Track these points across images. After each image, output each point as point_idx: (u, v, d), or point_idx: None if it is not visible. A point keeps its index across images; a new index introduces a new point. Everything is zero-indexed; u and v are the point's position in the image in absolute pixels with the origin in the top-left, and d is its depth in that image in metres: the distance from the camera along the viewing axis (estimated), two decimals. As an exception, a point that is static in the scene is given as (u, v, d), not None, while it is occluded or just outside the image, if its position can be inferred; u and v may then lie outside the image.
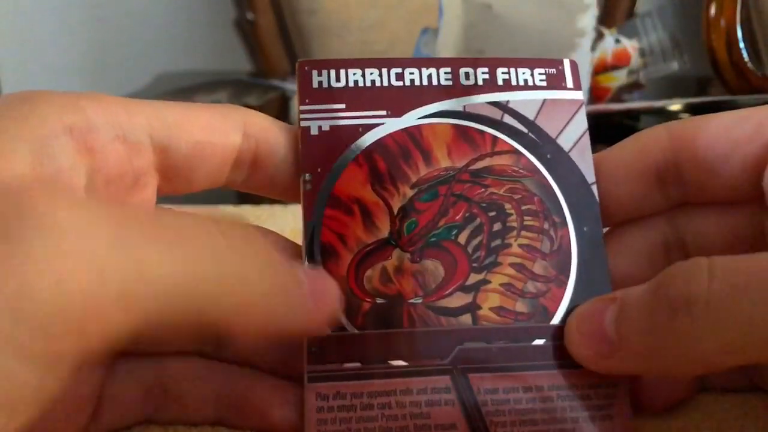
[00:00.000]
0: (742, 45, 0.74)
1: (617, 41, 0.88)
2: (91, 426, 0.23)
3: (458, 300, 0.23)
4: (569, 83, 0.25)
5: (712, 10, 0.76)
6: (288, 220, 0.42)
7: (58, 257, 0.15)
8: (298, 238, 0.25)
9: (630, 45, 0.87)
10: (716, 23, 0.75)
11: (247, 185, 0.25)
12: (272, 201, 0.41)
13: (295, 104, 0.25)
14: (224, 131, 0.24)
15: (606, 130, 0.26)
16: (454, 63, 0.25)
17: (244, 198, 0.66)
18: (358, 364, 0.22)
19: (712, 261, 0.20)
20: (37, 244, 0.15)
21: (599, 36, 0.91)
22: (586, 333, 0.22)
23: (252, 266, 0.19)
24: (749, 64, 0.74)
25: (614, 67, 0.86)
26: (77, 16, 1.32)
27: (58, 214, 0.15)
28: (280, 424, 0.23)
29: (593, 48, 0.89)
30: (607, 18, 1.08)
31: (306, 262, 0.23)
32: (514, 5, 0.90)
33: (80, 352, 0.15)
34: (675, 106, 0.67)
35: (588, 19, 0.94)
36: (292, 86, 1.07)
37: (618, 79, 0.86)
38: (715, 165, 0.23)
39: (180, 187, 0.24)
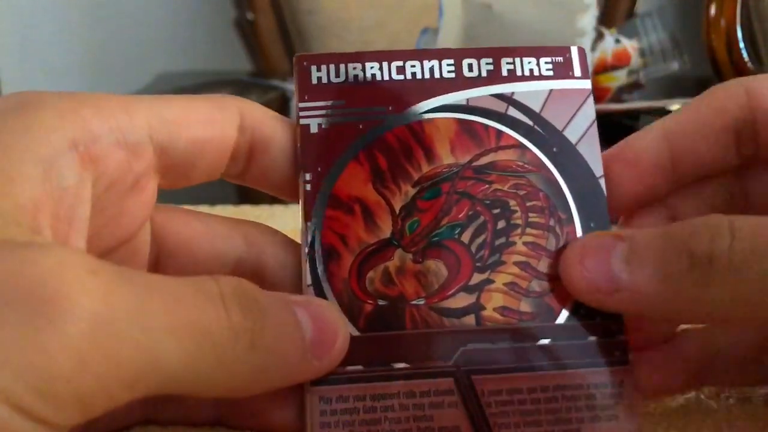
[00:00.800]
0: (742, 45, 0.74)
1: (617, 41, 0.88)
2: (90, 426, 0.23)
3: (462, 301, 0.23)
4: (577, 72, 0.25)
5: (712, 10, 0.76)
6: (288, 220, 0.42)
7: (85, 342, 0.16)
8: (299, 238, 0.24)
9: (630, 45, 0.87)
10: (716, 23, 0.75)
11: (242, 178, 0.25)
12: (272, 201, 0.41)
13: (295, 104, 0.25)
14: (222, 125, 0.24)
15: (606, 130, 0.26)
16: (457, 54, 0.25)
17: (244, 198, 0.66)
18: (360, 367, 0.22)
19: (734, 221, 0.21)
20: (69, 325, 0.16)
21: (599, 36, 0.91)
22: (590, 268, 0.22)
23: (247, 350, 0.19)
24: (749, 64, 0.74)
25: (614, 67, 0.86)
26: (77, 16, 1.32)
27: (93, 293, 0.17)
28: (279, 426, 0.23)
29: (593, 48, 0.89)
30: (607, 18, 1.08)
31: (308, 273, 0.23)
32: (514, 5, 0.91)
33: (80, 420, 0.17)
34: (675, 106, 0.67)
35: (588, 19, 0.94)
36: (292, 86, 1.07)
37: (618, 79, 0.86)
38: None
39: (178, 182, 0.24)
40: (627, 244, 0.22)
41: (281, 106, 1.04)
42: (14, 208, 0.18)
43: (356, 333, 0.22)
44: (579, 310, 0.23)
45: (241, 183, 0.25)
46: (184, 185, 0.24)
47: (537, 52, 0.25)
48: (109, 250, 0.23)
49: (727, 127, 0.24)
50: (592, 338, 0.23)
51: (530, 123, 0.24)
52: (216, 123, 0.23)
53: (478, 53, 0.25)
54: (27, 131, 0.19)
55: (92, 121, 0.21)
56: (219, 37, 1.30)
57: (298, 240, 0.24)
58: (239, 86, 1.12)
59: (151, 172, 0.23)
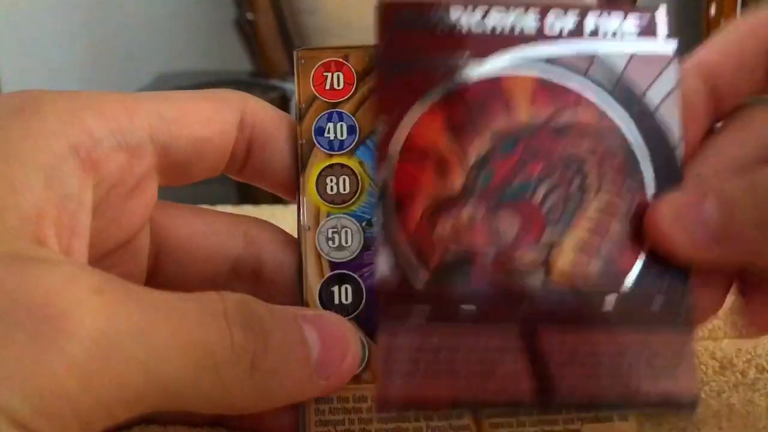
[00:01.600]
0: (742, 45, 0.74)
1: (617, 41, 0.87)
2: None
3: (531, 256, 0.23)
4: (661, 34, 0.24)
5: (712, 10, 0.76)
6: (288, 220, 0.42)
7: (90, 362, 0.16)
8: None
9: (630, 45, 0.86)
10: (716, 23, 0.75)
11: (241, 174, 0.25)
12: (273, 201, 0.41)
13: (294, 104, 0.25)
14: (222, 122, 0.23)
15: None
16: (543, 6, 0.24)
17: (244, 198, 0.66)
18: (428, 307, 0.22)
19: None
20: (74, 345, 0.16)
21: (599, 36, 0.91)
22: (686, 224, 0.22)
23: (248, 372, 0.19)
24: (749, 64, 0.74)
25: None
26: (77, 16, 1.32)
27: (98, 313, 0.17)
28: (278, 428, 0.24)
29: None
30: (607, 18, 1.08)
31: (380, 220, 0.23)
32: (514, 5, 0.90)
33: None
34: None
35: (588, 19, 0.94)
36: (291, 86, 1.07)
37: (618, 79, 0.85)
38: None
39: (178, 180, 0.24)
40: (718, 197, 0.22)
41: (281, 105, 1.04)
42: (18, 219, 0.18)
43: (426, 277, 0.22)
44: (646, 276, 0.23)
45: (239, 178, 0.25)
46: (184, 183, 0.24)
47: (623, 12, 0.24)
48: (110, 251, 0.22)
49: (765, 51, 0.24)
50: (657, 304, 0.22)
51: (611, 84, 0.24)
52: (217, 121, 0.23)
53: (565, 7, 0.24)
54: (27, 137, 0.19)
55: (93, 125, 0.20)
56: (219, 37, 1.30)
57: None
58: (239, 86, 1.12)
59: (152, 173, 0.23)
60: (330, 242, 0.24)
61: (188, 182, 0.24)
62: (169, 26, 1.35)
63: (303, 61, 0.25)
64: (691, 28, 0.89)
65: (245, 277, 0.24)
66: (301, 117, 0.25)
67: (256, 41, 1.20)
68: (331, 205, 0.24)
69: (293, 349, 0.20)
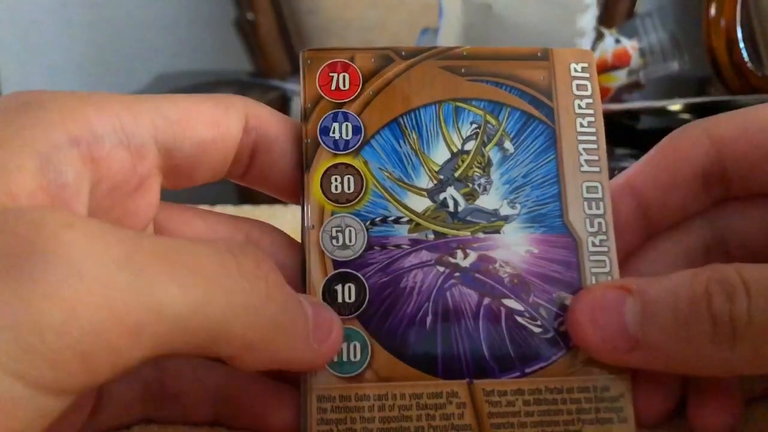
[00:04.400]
0: (742, 45, 0.74)
1: (617, 41, 0.88)
2: (89, 424, 0.23)
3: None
4: None
5: (712, 10, 0.76)
6: (288, 220, 0.42)
7: (71, 288, 0.15)
8: (299, 238, 0.25)
9: (630, 45, 0.87)
10: (716, 23, 0.75)
11: (244, 178, 0.25)
12: (272, 201, 0.41)
13: (295, 104, 0.25)
14: (227, 126, 0.23)
15: (606, 129, 0.26)
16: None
17: (244, 198, 0.66)
18: None
19: (742, 272, 0.21)
20: (50, 275, 0.15)
21: (599, 36, 0.91)
22: (602, 325, 0.22)
23: (263, 300, 0.19)
24: (749, 64, 0.74)
25: (614, 67, 0.86)
26: (77, 16, 1.32)
27: (72, 244, 0.16)
28: (278, 427, 0.23)
29: (593, 48, 0.89)
30: (607, 18, 1.08)
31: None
32: (514, 5, 0.91)
33: (87, 383, 0.16)
34: (675, 106, 0.67)
35: (588, 19, 0.94)
36: (292, 86, 1.07)
37: (618, 79, 0.85)
38: (762, 161, 0.24)
39: (181, 183, 0.24)
40: (638, 299, 0.22)
41: (281, 106, 1.04)
42: (7, 197, 0.18)
43: None
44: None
45: (242, 182, 0.25)
46: (186, 186, 0.24)
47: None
48: None
49: (696, 175, 0.25)
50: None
51: None
52: (221, 124, 0.23)
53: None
54: (27, 126, 0.19)
55: (95, 121, 0.20)
56: (219, 37, 1.30)
57: (299, 239, 0.24)
58: (239, 86, 1.12)
59: (155, 173, 0.23)
60: (334, 241, 0.24)
61: (191, 185, 0.24)
62: (169, 26, 1.35)
63: (309, 62, 0.25)
64: (691, 28, 0.89)
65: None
66: (306, 117, 0.25)
67: (256, 41, 1.20)
68: (335, 204, 0.24)
69: (295, 303, 0.20)
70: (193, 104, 0.23)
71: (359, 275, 0.24)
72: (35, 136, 0.19)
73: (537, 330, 0.24)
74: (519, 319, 0.24)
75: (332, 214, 0.24)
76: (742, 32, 0.74)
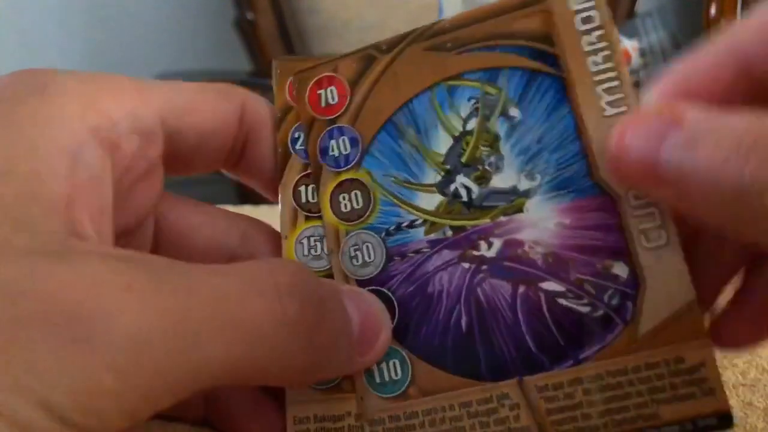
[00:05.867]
0: (742, 45, 0.74)
1: (617, 41, 0.88)
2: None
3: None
4: None
5: (713, 10, 0.76)
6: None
7: (127, 358, 0.16)
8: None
9: (630, 45, 0.87)
10: (717, 23, 0.75)
11: (236, 169, 0.25)
12: (272, 201, 0.41)
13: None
14: (226, 115, 0.23)
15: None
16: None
17: (245, 198, 0.66)
18: None
19: None
20: (107, 344, 0.16)
21: (599, 36, 0.91)
22: (634, 152, 0.18)
23: (304, 347, 0.19)
24: (749, 64, 0.74)
25: (614, 67, 0.86)
26: (77, 16, 1.32)
27: (129, 311, 0.16)
28: None
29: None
30: (607, 18, 1.08)
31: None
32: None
33: (127, 427, 0.17)
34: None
35: (588, 19, 0.94)
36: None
37: (618, 79, 0.86)
38: None
39: (179, 171, 0.24)
40: (686, 132, 0.18)
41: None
42: (45, 209, 0.18)
43: None
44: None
45: (234, 173, 0.25)
46: (183, 174, 0.24)
47: None
48: (118, 236, 0.22)
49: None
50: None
51: None
52: (221, 112, 0.23)
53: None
54: (48, 122, 0.19)
55: (110, 107, 0.20)
56: (219, 37, 1.30)
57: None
58: (239, 86, 1.11)
59: (160, 160, 0.23)
60: (354, 260, 0.23)
61: (187, 174, 0.24)
62: (169, 26, 1.35)
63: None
64: (691, 28, 0.89)
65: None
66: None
67: (255, 41, 1.20)
68: (348, 223, 0.23)
69: (341, 325, 0.20)
70: (198, 93, 0.23)
71: (384, 290, 0.23)
72: (59, 132, 0.19)
73: (585, 309, 0.21)
74: (562, 301, 0.21)
75: (347, 234, 0.23)
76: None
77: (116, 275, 0.17)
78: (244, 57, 1.23)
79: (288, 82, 0.25)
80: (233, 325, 0.18)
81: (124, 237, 0.23)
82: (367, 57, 0.24)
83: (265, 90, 0.25)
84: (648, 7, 1.10)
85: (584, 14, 0.22)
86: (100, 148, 0.20)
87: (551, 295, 0.21)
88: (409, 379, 0.22)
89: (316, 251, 0.23)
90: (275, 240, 0.25)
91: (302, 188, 0.24)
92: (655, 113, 0.19)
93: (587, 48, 0.22)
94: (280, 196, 0.24)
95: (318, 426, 0.22)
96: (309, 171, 0.24)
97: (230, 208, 0.47)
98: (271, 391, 0.24)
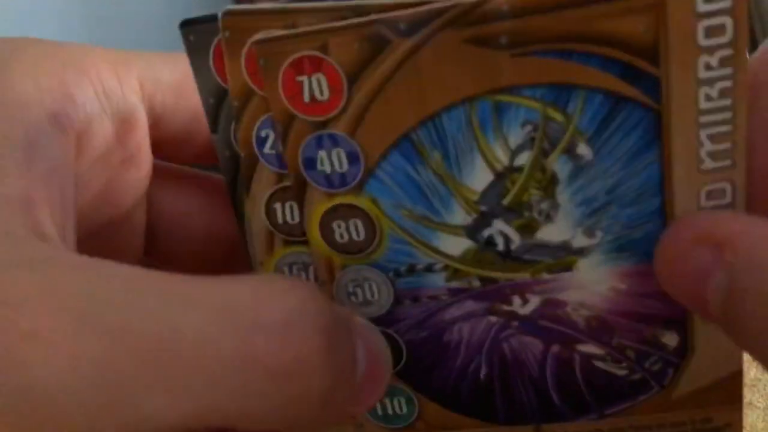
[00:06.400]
0: (743, 44, 0.74)
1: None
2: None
3: None
4: None
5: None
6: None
7: (19, 411, 0.13)
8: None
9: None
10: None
11: None
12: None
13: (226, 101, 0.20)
14: None
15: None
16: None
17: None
18: None
19: None
20: (16, 407, 0.13)
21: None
22: (679, 274, 0.16)
23: (295, 405, 0.15)
24: (750, 63, 0.74)
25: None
26: (77, 15, 1.31)
27: (36, 364, 0.13)
28: None
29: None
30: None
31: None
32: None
33: None
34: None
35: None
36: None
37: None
38: None
39: (166, 158, 0.21)
40: (729, 273, 0.15)
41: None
42: (5, 208, 0.16)
43: None
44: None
45: None
46: (172, 161, 0.22)
47: None
48: (101, 227, 0.20)
49: None
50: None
51: None
52: None
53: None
54: (3, 108, 0.17)
55: (74, 88, 0.18)
56: (218, 36, 1.29)
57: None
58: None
59: (146, 145, 0.20)
60: (353, 297, 0.19)
61: (176, 162, 0.22)
62: (167, 25, 1.34)
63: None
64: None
65: (239, 258, 0.21)
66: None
67: (255, 40, 1.19)
68: (346, 256, 0.18)
69: (351, 367, 0.17)
70: (187, 66, 0.19)
71: (390, 332, 0.19)
72: (13, 122, 0.17)
73: (621, 372, 0.19)
74: (599, 363, 0.19)
75: (344, 267, 0.19)
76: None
77: (21, 321, 0.14)
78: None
79: (244, 52, 0.17)
80: (183, 368, 0.14)
81: (109, 227, 0.20)
82: (376, 37, 0.16)
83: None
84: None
85: (712, 21, 0.15)
86: (60, 134, 0.18)
87: (587, 357, 0.19)
88: (415, 415, 0.20)
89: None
90: None
91: (277, 205, 0.19)
92: (693, 241, 0.16)
93: (703, 74, 0.15)
94: (246, 212, 0.19)
95: None
96: (284, 184, 0.18)
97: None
98: None
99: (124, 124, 0.19)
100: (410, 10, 0.16)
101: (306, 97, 0.17)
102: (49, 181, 0.17)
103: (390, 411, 0.20)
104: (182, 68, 0.19)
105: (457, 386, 0.20)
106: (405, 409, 0.20)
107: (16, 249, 0.15)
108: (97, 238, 0.20)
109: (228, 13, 0.16)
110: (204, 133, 0.20)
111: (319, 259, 0.19)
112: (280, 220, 0.19)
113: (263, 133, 0.18)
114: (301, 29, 0.16)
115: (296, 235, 0.19)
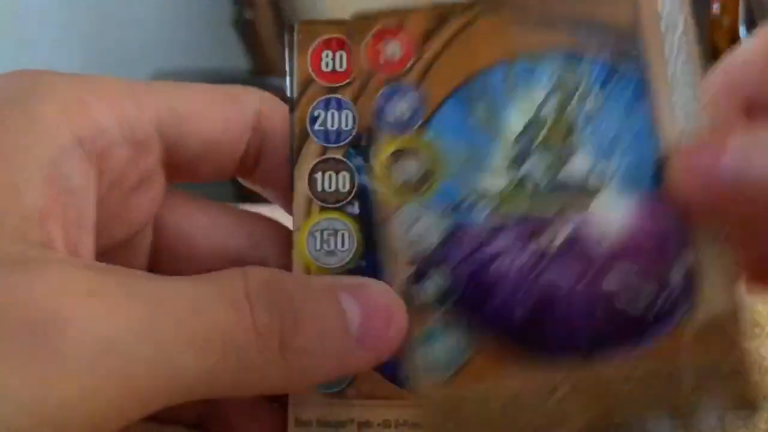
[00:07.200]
0: (745, 44, 0.74)
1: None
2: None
3: None
4: None
5: (715, 9, 0.75)
6: (288, 219, 0.41)
7: (91, 367, 0.16)
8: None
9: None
10: (719, 22, 0.75)
11: (251, 179, 0.24)
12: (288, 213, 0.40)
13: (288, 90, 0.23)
14: (237, 124, 0.22)
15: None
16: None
17: (244, 198, 0.65)
18: None
19: None
20: (70, 353, 0.15)
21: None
22: (698, 158, 0.20)
23: (277, 357, 0.18)
24: (752, 63, 0.74)
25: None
26: (77, 15, 1.31)
27: (94, 318, 0.16)
28: None
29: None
30: (608, 17, 1.08)
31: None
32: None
33: None
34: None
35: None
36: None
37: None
38: None
39: (184, 179, 0.23)
40: (754, 135, 0.19)
41: (281, 105, 1.04)
42: (19, 221, 0.17)
43: None
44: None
45: (249, 183, 0.24)
46: (189, 181, 0.23)
47: None
48: (113, 247, 0.22)
49: None
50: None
51: None
52: (231, 120, 0.22)
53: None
54: (29, 130, 0.18)
55: (99, 115, 0.19)
56: (218, 36, 1.29)
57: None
58: (238, 84, 1.11)
59: (159, 169, 0.22)
60: (409, 235, 0.22)
61: (194, 182, 0.23)
62: (168, 25, 1.35)
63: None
64: (693, 28, 0.88)
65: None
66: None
67: (254, 40, 1.19)
68: (404, 193, 0.22)
69: (329, 323, 0.19)
70: (204, 97, 0.22)
71: (442, 269, 0.21)
72: (39, 141, 0.18)
73: (641, 306, 0.21)
74: (622, 297, 0.21)
75: (403, 205, 0.22)
76: (746, 31, 0.74)
77: (81, 281, 0.16)
78: (243, 56, 1.23)
79: (311, 51, 0.22)
80: (204, 336, 0.17)
81: (119, 247, 0.22)
82: (439, 16, 0.22)
83: (265, 88, 0.24)
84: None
85: (670, 18, 0.22)
86: (84, 158, 0.19)
87: (609, 294, 0.21)
88: (469, 354, 0.21)
89: (329, 246, 0.22)
90: (288, 241, 0.24)
91: (318, 175, 0.22)
92: (696, 148, 0.20)
93: (667, 54, 0.22)
94: (294, 182, 0.22)
95: (319, 431, 0.21)
96: (327, 156, 0.22)
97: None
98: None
99: (140, 149, 0.20)
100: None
101: (382, 59, 0.22)
102: (66, 199, 0.18)
103: (440, 354, 0.21)
104: (195, 99, 0.21)
105: (509, 317, 0.21)
106: (458, 349, 0.21)
107: (22, 255, 0.17)
108: (104, 256, 0.21)
109: (302, 22, 0.23)
110: (218, 154, 0.22)
111: (381, 198, 0.22)
112: (319, 188, 0.22)
113: (315, 113, 0.22)
114: (382, 11, 0.22)
115: (330, 202, 0.22)
